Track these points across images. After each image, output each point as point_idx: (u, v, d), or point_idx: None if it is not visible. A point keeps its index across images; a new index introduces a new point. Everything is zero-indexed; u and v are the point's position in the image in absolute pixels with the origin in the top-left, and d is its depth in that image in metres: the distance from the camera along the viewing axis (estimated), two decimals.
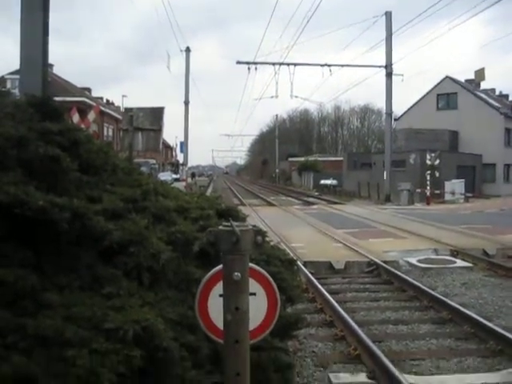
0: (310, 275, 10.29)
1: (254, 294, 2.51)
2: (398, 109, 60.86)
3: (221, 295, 2.40)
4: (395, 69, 37.60)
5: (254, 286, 2.50)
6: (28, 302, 2.72)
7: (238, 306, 2.28)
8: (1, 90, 4.51)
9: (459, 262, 12.46)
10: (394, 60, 37.39)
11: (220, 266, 2.47)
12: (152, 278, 3.35)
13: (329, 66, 36.47)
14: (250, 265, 2.43)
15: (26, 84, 8.20)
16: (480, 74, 50.30)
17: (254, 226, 2.46)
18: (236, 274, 2.25)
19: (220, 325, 2.45)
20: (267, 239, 4.31)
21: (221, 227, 2.34)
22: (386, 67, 37.41)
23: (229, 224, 2.33)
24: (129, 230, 3.40)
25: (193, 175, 59.54)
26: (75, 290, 2.96)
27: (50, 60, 9.13)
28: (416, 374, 5.86)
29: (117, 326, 2.68)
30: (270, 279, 2.68)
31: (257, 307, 2.55)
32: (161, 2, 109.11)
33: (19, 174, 3.12)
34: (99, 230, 3.16)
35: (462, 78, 55.70)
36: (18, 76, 9.43)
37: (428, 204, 34.56)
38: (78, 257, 3.13)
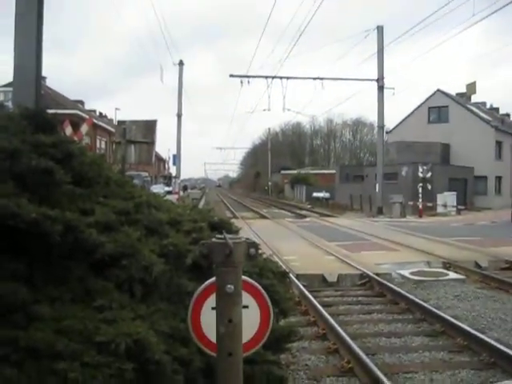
0: (302, 288, 10.27)
1: (247, 306, 2.51)
2: (390, 122, 61.14)
3: (213, 308, 2.40)
4: (387, 82, 37.85)
5: (246, 298, 2.50)
6: (19, 315, 2.70)
7: (231, 319, 2.27)
8: None
9: (452, 275, 12.48)
10: (386, 73, 37.63)
11: (213, 279, 2.46)
12: (144, 290, 3.34)
13: (321, 79, 36.69)
14: (243, 277, 2.43)
15: (19, 96, 8.19)
16: (471, 87, 50.80)
17: (247, 238, 2.47)
18: (229, 286, 2.25)
19: (213, 338, 2.44)
20: (260, 252, 4.31)
21: (214, 239, 2.34)
22: (377, 80, 37.62)
23: (222, 236, 2.33)
24: (121, 243, 3.39)
25: (185, 188, 58.85)
26: (67, 302, 2.95)
27: (43, 72, 9.12)
28: None
29: (108, 338, 2.67)
30: (263, 292, 2.67)
31: (249, 320, 2.54)
32: (154, 17, 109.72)
33: (12, 187, 3.12)
34: (91, 243, 3.15)
35: (453, 92, 56.19)
36: (11, 88, 9.42)
37: (420, 216, 34.66)
38: (70, 269, 3.12)
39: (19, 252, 2.98)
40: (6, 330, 2.59)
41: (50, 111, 4.37)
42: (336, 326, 7.65)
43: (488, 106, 61.83)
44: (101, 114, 65.64)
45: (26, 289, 2.76)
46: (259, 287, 2.67)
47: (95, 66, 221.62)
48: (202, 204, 43.32)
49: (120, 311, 2.99)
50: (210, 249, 2.30)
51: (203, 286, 2.58)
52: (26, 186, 3.24)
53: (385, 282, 11.21)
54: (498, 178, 51.04)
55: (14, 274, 2.84)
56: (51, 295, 2.92)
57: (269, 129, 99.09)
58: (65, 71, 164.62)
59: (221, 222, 5.16)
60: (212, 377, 3.04)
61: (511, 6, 20.13)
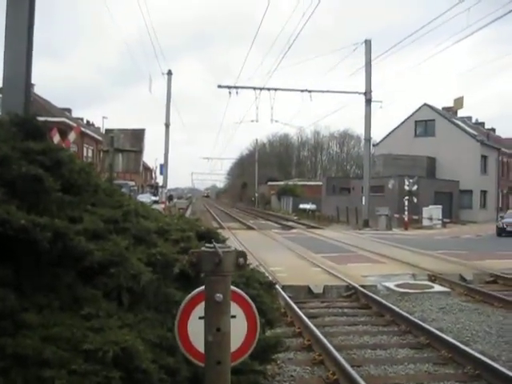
0: (288, 299, 10.27)
1: (234, 316, 2.51)
2: (377, 135, 61.62)
3: (201, 317, 2.40)
4: (375, 95, 38.19)
5: (234, 308, 2.50)
6: (7, 322, 2.69)
7: (220, 327, 2.28)
8: None
9: (437, 287, 12.54)
10: (375, 86, 37.94)
11: (200, 288, 2.47)
12: (132, 299, 3.34)
13: (309, 91, 36.87)
14: (231, 287, 2.44)
15: (8, 103, 8.15)
16: (459, 102, 51.33)
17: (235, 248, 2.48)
18: (218, 295, 2.26)
19: (200, 347, 2.44)
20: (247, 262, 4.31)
21: (203, 248, 2.35)
22: (365, 94, 37.90)
23: (211, 245, 2.34)
24: (109, 251, 3.39)
25: (170, 198, 57.47)
26: (55, 310, 2.94)
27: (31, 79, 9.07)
28: None
29: (96, 347, 2.67)
30: (250, 302, 2.68)
31: (236, 330, 2.54)
32: (144, 26, 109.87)
33: (1, 193, 3.11)
34: (80, 250, 3.15)
35: (441, 105, 56.70)
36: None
37: (406, 229, 34.86)
38: (59, 277, 3.11)
39: (7, 259, 2.97)
40: None
41: (40, 119, 4.36)
42: (321, 337, 7.65)
43: (474, 121, 62.45)
44: (88, 122, 65.34)
45: (14, 296, 2.76)
46: (247, 297, 2.68)
47: (82, 73, 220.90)
48: (188, 214, 43.23)
49: (107, 319, 2.99)
50: (200, 257, 2.31)
51: (190, 295, 2.58)
52: (16, 192, 3.24)
53: (370, 294, 11.24)
54: (483, 192, 51.49)
55: (1, 280, 2.83)
56: (39, 302, 2.91)
57: (256, 140, 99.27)
58: (52, 78, 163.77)
59: (208, 232, 5.17)
60: None
61: (505, 16, 20.38)
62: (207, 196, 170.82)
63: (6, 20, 8.44)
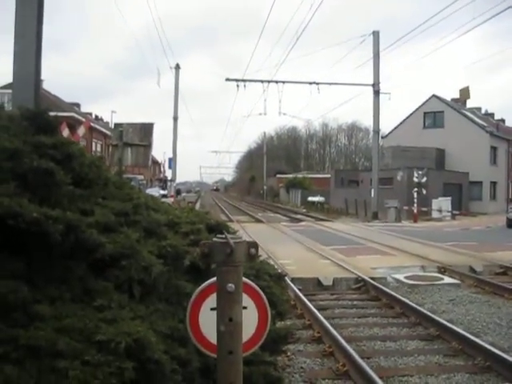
0: (298, 291, 10.29)
1: (245, 307, 2.53)
2: (386, 127, 61.45)
3: (212, 309, 2.42)
4: (383, 87, 38.00)
5: (245, 299, 2.51)
6: (19, 314, 2.72)
7: (232, 317, 2.30)
8: None
9: (447, 279, 12.53)
10: (382, 78, 37.78)
11: (211, 280, 2.49)
12: (143, 291, 3.36)
13: (317, 83, 36.77)
14: (242, 278, 2.45)
15: (18, 98, 8.19)
16: (465, 92, 51.03)
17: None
18: (230, 285, 2.28)
19: (212, 339, 2.46)
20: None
21: (215, 239, 2.37)
22: (373, 85, 37.75)
23: (223, 236, 2.36)
24: (120, 244, 3.41)
25: (178, 192, 56.75)
26: (67, 301, 2.97)
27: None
28: None
29: (109, 337, 2.69)
30: (261, 293, 2.69)
31: (248, 321, 2.56)
32: (151, 19, 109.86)
33: (13, 187, 3.14)
34: (92, 243, 3.18)
35: (449, 97, 56.41)
36: (9, 90, 9.45)
37: (415, 221, 34.75)
38: (70, 269, 3.14)
39: (19, 251, 3.00)
40: (7, 328, 2.61)
41: (51, 113, 4.38)
42: (331, 329, 7.66)
43: (483, 112, 62.08)
44: (96, 116, 65.57)
45: (26, 288, 2.79)
46: (258, 289, 2.69)
47: (90, 68, 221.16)
48: (197, 207, 43.29)
49: (119, 311, 3.01)
50: (211, 248, 2.33)
51: (201, 287, 2.60)
52: (27, 186, 3.26)
53: (380, 285, 11.24)
54: (493, 184, 51.27)
55: (14, 273, 2.86)
56: (51, 294, 2.94)
57: (264, 133, 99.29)
58: (59, 73, 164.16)
59: (218, 225, 5.19)
60: (210, 377, 3.07)
61: (509, 10, 20.21)
62: (217, 189, 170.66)
63: (16, 16, 8.47)
